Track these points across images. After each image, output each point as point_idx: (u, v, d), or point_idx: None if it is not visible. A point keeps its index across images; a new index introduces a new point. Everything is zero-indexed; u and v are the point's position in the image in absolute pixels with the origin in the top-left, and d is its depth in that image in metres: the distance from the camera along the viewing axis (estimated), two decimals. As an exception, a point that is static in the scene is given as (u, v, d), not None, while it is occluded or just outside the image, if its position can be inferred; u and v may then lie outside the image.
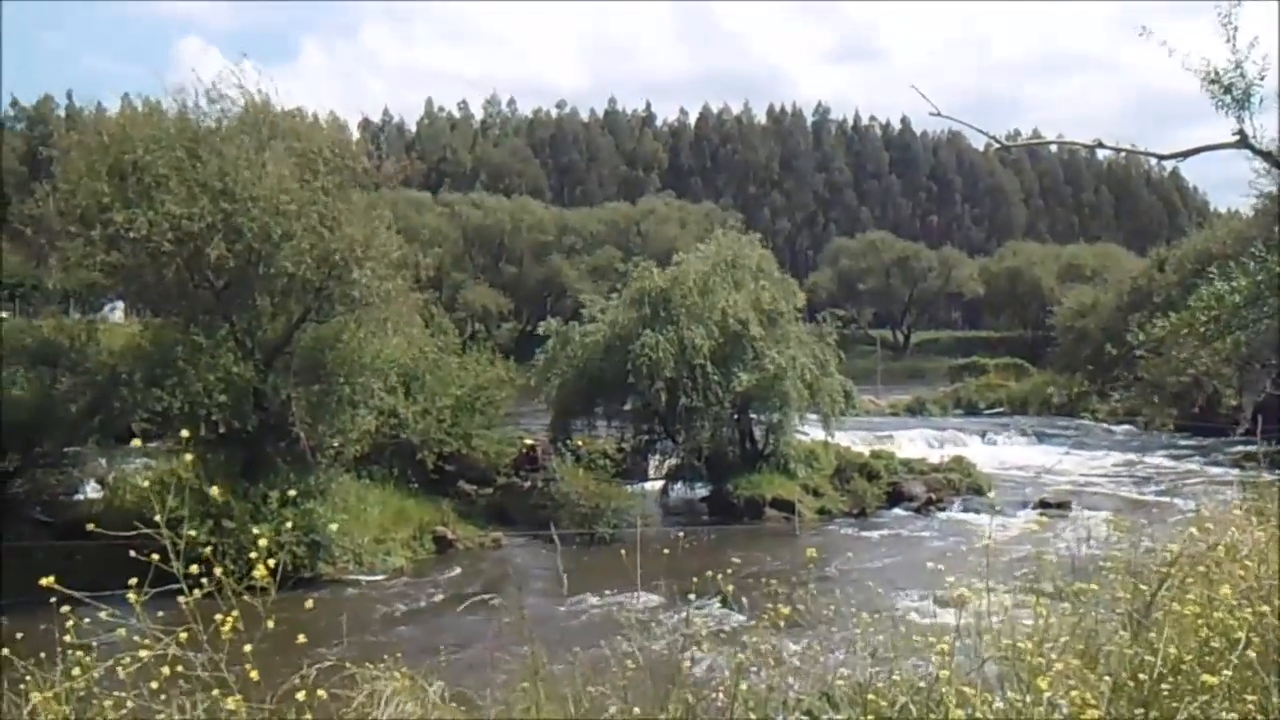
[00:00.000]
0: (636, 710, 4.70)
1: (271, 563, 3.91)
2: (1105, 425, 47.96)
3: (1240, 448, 31.89)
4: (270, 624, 3.92)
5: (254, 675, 3.99)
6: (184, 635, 3.91)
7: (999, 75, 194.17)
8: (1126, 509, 24.05)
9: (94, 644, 4.04)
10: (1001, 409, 54.05)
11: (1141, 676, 4.05)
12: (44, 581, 3.91)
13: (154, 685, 4.01)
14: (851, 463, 31.17)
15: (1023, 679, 4.08)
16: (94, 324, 25.08)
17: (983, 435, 43.21)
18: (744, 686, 4.61)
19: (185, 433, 12.72)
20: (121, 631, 3.96)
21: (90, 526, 4.29)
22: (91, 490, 25.06)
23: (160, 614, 3.95)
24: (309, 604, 4.17)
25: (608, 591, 14.96)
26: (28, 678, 4.06)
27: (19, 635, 4.75)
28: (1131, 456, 40.04)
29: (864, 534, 27.46)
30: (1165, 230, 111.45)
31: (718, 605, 8.31)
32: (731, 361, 28.61)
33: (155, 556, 3.86)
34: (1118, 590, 4.95)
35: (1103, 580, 5.29)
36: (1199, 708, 3.88)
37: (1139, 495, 31.07)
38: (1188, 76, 13.10)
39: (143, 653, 3.89)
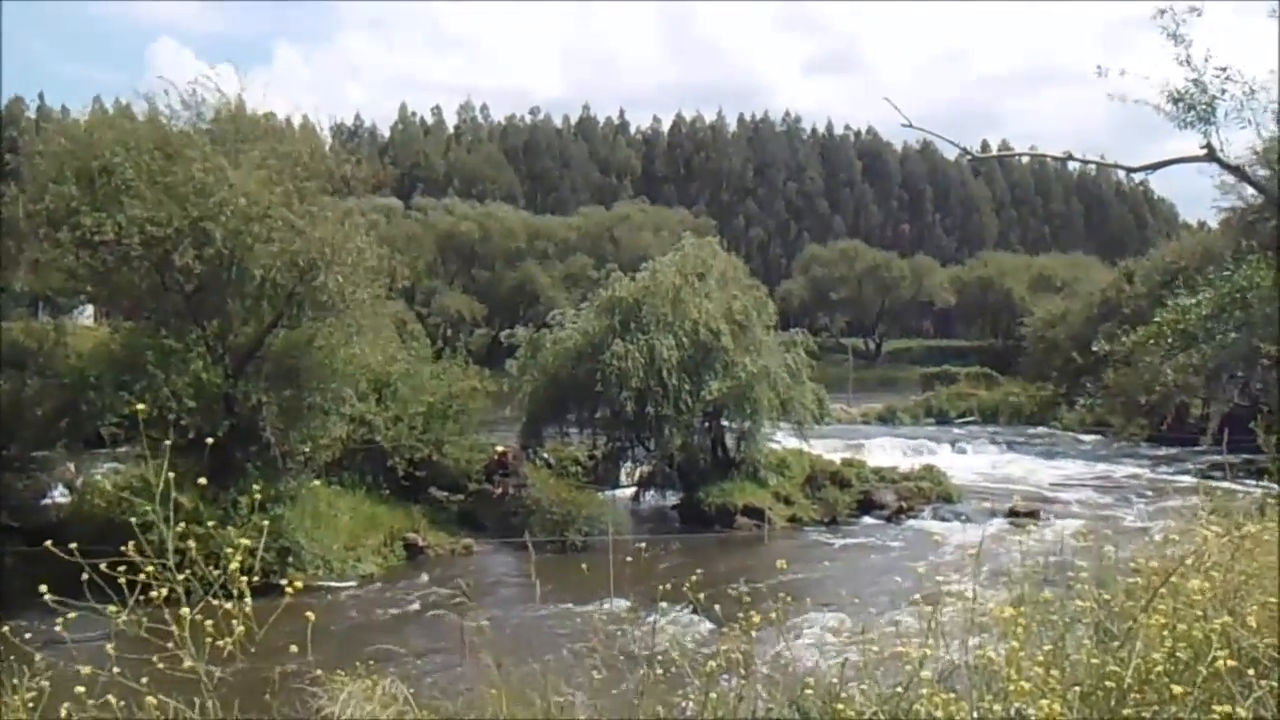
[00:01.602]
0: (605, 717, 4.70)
1: (236, 565, 3.90)
2: (1074, 434, 48.36)
3: (1208, 457, 32.13)
4: (239, 628, 3.89)
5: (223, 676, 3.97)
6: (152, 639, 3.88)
7: (978, 87, 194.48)
8: (1094, 518, 24.17)
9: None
10: (972, 418, 54.30)
11: (1109, 684, 4.07)
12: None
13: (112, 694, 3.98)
14: (823, 471, 31.18)
15: (991, 687, 4.09)
16: (62, 327, 24.85)
17: (953, 444, 43.40)
18: (713, 695, 4.61)
19: (182, 423, 12.62)
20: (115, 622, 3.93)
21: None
22: (60, 495, 24.81)
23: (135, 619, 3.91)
24: (290, 589, 4.12)
25: (578, 599, 14.92)
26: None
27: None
28: (1100, 466, 40.26)
29: (834, 542, 27.50)
30: (1135, 241, 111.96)
31: (687, 612, 8.31)
32: (703, 370, 28.56)
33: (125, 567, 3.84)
34: (1083, 600, 4.98)
35: (1070, 590, 5.31)
36: (1168, 718, 3.91)
37: (1107, 504, 31.21)
38: (1169, 82, 13.25)
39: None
